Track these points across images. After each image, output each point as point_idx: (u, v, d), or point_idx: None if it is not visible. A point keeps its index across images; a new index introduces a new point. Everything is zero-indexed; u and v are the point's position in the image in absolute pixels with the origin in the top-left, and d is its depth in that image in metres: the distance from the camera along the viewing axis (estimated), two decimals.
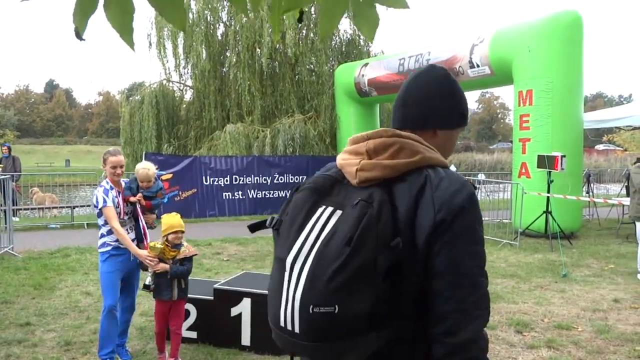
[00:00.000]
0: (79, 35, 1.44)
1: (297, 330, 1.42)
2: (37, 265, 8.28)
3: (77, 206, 16.02)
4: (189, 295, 5.14)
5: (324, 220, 1.44)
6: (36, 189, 16.23)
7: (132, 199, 4.70)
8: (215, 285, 5.11)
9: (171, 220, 4.65)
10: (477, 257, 1.48)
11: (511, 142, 13.62)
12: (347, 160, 1.55)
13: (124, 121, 19.55)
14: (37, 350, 4.94)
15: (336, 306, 1.37)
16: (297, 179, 15.56)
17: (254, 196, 15.14)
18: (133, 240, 4.64)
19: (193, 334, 5.11)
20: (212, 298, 5.05)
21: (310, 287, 1.39)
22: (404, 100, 1.69)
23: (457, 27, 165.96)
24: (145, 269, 4.62)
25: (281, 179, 15.45)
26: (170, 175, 13.98)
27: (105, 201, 4.50)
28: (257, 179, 15.15)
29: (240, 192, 14.96)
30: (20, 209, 15.31)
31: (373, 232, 1.37)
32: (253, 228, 1.74)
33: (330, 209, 1.45)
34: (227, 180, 14.77)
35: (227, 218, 14.43)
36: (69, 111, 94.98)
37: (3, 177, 10.39)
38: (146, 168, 4.89)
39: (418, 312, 1.44)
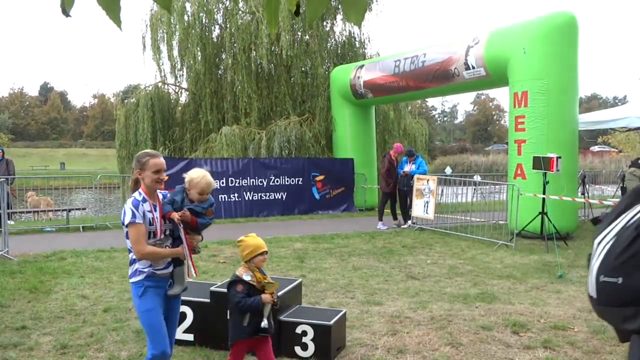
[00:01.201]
0: (65, 11, 1.41)
1: (593, 295, 1.87)
2: (33, 269, 8.24)
3: (73, 209, 15.98)
4: (186, 298, 5.13)
5: (634, 213, 1.83)
6: (31, 192, 16.18)
7: (175, 215, 3.74)
8: (212, 288, 5.10)
9: (255, 240, 3.92)
10: None
11: (507, 143, 13.64)
12: None
13: (119, 124, 19.53)
14: (33, 354, 4.92)
15: (620, 278, 1.76)
16: (293, 180, 15.56)
17: (250, 198, 15.12)
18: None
19: (190, 337, 5.10)
20: (209, 300, 5.04)
21: (603, 261, 1.83)
22: None
23: (453, 28, 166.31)
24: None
25: (277, 181, 15.44)
26: (166, 178, 13.92)
27: (134, 216, 3.55)
28: (253, 181, 15.14)
29: (236, 194, 14.94)
30: (15, 213, 15.25)
31: None
32: (595, 222, 2.11)
33: None
34: (223, 183, 14.75)
35: (223, 220, 14.40)
36: (64, 114, 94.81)
37: None
38: (207, 176, 3.99)
39: None
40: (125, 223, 3.58)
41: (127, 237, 3.63)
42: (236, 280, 3.85)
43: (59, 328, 5.60)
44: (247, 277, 3.82)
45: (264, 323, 3.84)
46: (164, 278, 3.76)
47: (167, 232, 3.79)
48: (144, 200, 3.68)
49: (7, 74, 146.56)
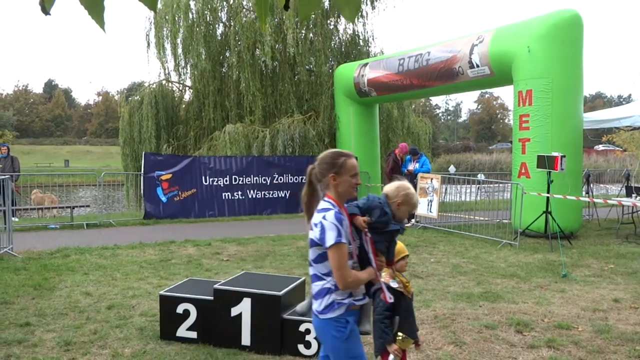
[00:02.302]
0: (44, 9, 1.38)
1: None
2: (37, 266, 8.27)
3: (77, 206, 16.01)
4: (189, 296, 5.14)
5: None
6: (36, 190, 16.23)
7: (361, 221, 3.13)
8: (215, 286, 5.10)
9: (397, 244, 3.61)
10: None
11: (511, 142, 13.63)
12: None
13: (123, 121, 19.54)
14: (37, 350, 4.94)
15: None
16: (296, 179, 15.56)
17: (254, 196, 15.13)
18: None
19: (193, 334, 5.11)
20: (212, 298, 5.04)
21: None
22: None
23: (457, 27, 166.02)
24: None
25: (280, 179, 15.45)
26: (169, 176, 13.98)
27: (340, 234, 2.86)
28: (256, 179, 15.15)
29: (239, 192, 14.95)
30: (20, 209, 15.29)
31: None
32: None
33: None
34: (226, 181, 14.77)
35: (226, 218, 14.43)
36: (68, 111, 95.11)
37: (2, 177, 10.38)
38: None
39: None
40: (329, 244, 2.85)
41: (319, 261, 2.97)
42: (380, 289, 3.25)
43: (63, 325, 5.61)
44: (394, 284, 3.52)
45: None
46: (357, 311, 3.07)
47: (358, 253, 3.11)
48: (340, 213, 2.96)
49: (12, 71, 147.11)
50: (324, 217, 2.89)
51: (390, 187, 3.48)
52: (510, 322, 5.70)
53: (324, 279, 2.98)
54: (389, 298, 3.19)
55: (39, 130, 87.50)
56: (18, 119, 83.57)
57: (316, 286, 3.03)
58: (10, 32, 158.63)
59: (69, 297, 6.62)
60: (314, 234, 2.93)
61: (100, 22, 1.36)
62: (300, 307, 3.52)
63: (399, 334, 3.45)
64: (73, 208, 14.51)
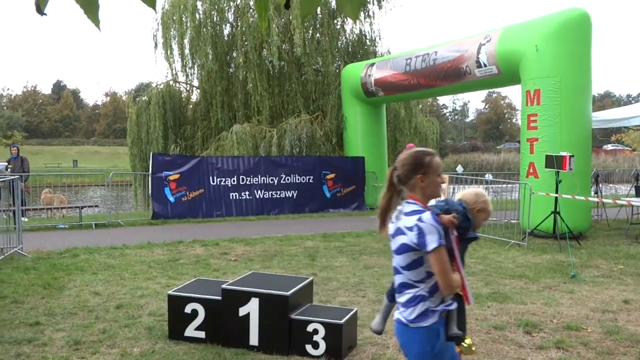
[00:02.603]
0: (39, 9, 1.38)
1: None
2: (46, 265, 8.31)
3: (85, 206, 16.09)
4: (197, 296, 5.16)
5: None
6: (46, 190, 16.32)
7: (448, 219, 3.08)
8: (224, 286, 5.11)
9: None
10: None
11: (519, 142, 13.58)
12: None
13: (131, 122, 19.63)
14: (47, 349, 4.96)
15: None
16: (303, 179, 15.58)
17: (261, 196, 15.15)
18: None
19: (201, 334, 5.12)
20: (220, 298, 5.05)
21: None
22: None
23: (465, 26, 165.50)
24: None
25: (288, 179, 15.46)
26: (177, 176, 14.02)
27: (440, 237, 2.71)
28: (264, 179, 15.16)
29: (247, 192, 14.98)
30: (29, 210, 15.38)
31: None
32: None
33: None
34: (234, 181, 14.79)
35: (234, 218, 14.45)
36: (77, 112, 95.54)
37: (12, 177, 10.44)
38: None
39: None
40: (431, 247, 2.67)
41: (413, 267, 2.79)
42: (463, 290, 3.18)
43: (72, 324, 5.64)
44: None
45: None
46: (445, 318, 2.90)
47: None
48: (434, 214, 2.82)
49: (21, 72, 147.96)
50: (419, 220, 2.71)
51: (469, 194, 3.44)
52: (519, 323, 5.68)
53: (417, 286, 2.80)
54: (470, 299, 3.14)
55: (48, 131, 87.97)
56: (27, 120, 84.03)
57: (406, 294, 2.84)
58: (19, 33, 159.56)
59: (78, 297, 6.66)
60: (408, 238, 2.74)
61: (95, 21, 1.36)
62: (376, 324, 3.51)
63: (466, 340, 3.26)
64: (82, 208, 14.57)
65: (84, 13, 1.35)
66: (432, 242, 2.67)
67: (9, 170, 14.42)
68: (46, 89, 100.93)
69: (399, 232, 2.82)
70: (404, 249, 2.78)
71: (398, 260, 2.85)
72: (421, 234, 2.69)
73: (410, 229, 2.74)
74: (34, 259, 8.83)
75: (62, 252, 9.40)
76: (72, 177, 19.40)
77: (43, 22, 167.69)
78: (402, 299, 2.87)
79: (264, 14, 1.55)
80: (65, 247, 9.80)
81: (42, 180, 18.28)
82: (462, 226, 3.18)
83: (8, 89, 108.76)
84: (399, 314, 2.89)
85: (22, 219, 10.99)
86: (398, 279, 2.89)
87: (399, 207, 2.90)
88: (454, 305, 2.95)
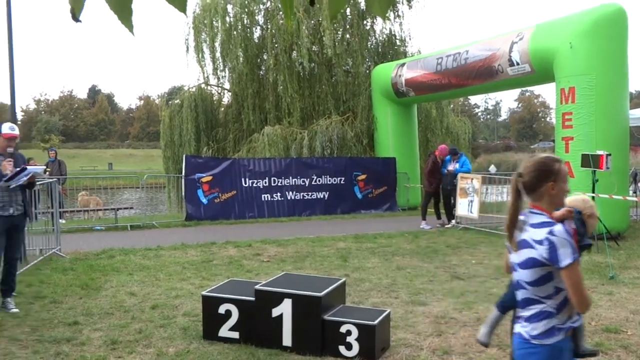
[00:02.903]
0: (74, 16, 1.39)
1: None
2: (84, 266, 8.48)
3: (121, 208, 16.37)
4: (231, 297, 5.20)
5: None
6: (83, 192, 16.66)
7: (565, 210, 2.98)
8: (257, 286, 5.14)
9: None
10: None
11: (553, 141, 13.35)
12: None
13: (164, 125, 19.91)
14: (85, 348, 5.06)
15: None
16: (335, 180, 15.58)
17: (293, 198, 15.20)
18: None
19: (235, 335, 5.16)
20: (253, 299, 5.08)
21: None
22: None
23: (496, 24, 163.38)
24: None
25: (319, 181, 15.48)
26: (210, 178, 14.16)
27: (574, 251, 2.54)
28: (295, 181, 15.21)
29: (278, 194, 15.04)
30: (67, 212, 15.71)
31: None
32: None
33: None
34: (265, 182, 14.88)
35: (266, 219, 14.52)
36: (111, 116, 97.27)
37: (50, 180, 10.68)
38: None
39: None
40: (565, 263, 2.50)
41: (541, 283, 2.61)
42: None
43: (109, 324, 5.74)
44: None
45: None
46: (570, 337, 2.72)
47: None
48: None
49: (58, 77, 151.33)
50: (550, 233, 2.54)
51: (576, 200, 3.29)
52: None
53: (543, 302, 2.63)
54: None
55: (84, 135, 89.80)
56: (64, 124, 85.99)
57: (530, 309, 2.67)
58: (56, 39, 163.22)
59: (114, 297, 6.77)
60: (537, 252, 2.56)
61: (129, 26, 1.38)
62: (483, 336, 3.44)
63: None
64: (117, 210, 14.84)
65: (118, 19, 1.37)
66: (566, 257, 2.50)
67: (47, 173, 14.75)
68: (82, 93, 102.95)
69: (524, 244, 2.64)
70: (531, 263, 2.61)
71: (523, 275, 2.67)
72: (553, 248, 2.52)
73: (539, 242, 2.57)
74: (71, 260, 9.02)
75: (99, 253, 9.58)
76: (107, 180, 19.80)
77: (78, 28, 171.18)
78: (525, 313, 2.72)
79: (290, 12, 1.55)
80: (102, 248, 9.98)
81: (79, 183, 18.67)
82: (580, 232, 3.05)
83: (45, 94, 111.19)
84: (520, 327, 2.72)
85: (60, 221, 11.23)
86: (522, 294, 2.72)
87: (520, 217, 2.72)
88: (580, 322, 2.80)
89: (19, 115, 78.68)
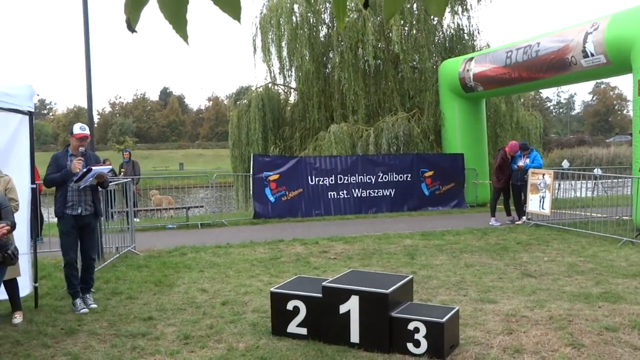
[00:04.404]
0: (130, 27, 1.40)
1: None
2: (157, 263, 8.78)
3: (192, 207, 16.84)
4: (299, 293, 5.26)
5: None
6: (154, 191, 17.24)
7: None
8: (324, 283, 5.18)
9: None
10: None
11: (630, 134, 12.77)
12: None
13: (232, 125, 20.29)
14: (159, 343, 5.25)
15: None
16: (401, 177, 15.47)
17: (359, 195, 15.19)
18: None
19: (303, 331, 5.22)
20: (321, 295, 5.12)
21: None
22: None
23: (569, 14, 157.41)
24: None
25: (385, 178, 15.41)
26: (277, 176, 14.35)
27: None
28: (361, 178, 15.20)
29: (345, 191, 15.07)
30: (141, 210, 16.30)
31: None
32: None
33: None
34: (332, 180, 14.94)
35: (332, 217, 14.58)
36: (182, 117, 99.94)
37: (125, 180, 11.12)
38: None
39: None
40: None
41: None
42: None
43: (182, 319, 5.93)
44: None
45: None
46: None
47: None
48: None
49: (131, 81, 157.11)
50: None
51: None
52: (634, 325, 5.35)
53: None
54: None
55: (156, 136, 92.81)
56: (137, 126, 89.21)
57: None
58: (129, 45, 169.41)
59: (186, 293, 6.98)
60: None
61: (184, 36, 1.40)
62: None
63: None
64: (188, 209, 15.26)
65: (173, 28, 1.39)
66: None
67: (122, 173, 15.34)
68: (154, 95, 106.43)
69: None
70: None
71: None
72: None
73: None
74: (145, 257, 9.36)
75: (171, 250, 9.89)
76: (178, 179, 20.39)
77: (149, 34, 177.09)
78: None
79: (342, 14, 1.56)
80: (174, 246, 10.30)
81: (152, 182, 19.32)
82: None
83: (120, 97, 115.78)
84: None
85: (134, 219, 11.68)
86: None
87: None
88: None
89: (95, 119, 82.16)
